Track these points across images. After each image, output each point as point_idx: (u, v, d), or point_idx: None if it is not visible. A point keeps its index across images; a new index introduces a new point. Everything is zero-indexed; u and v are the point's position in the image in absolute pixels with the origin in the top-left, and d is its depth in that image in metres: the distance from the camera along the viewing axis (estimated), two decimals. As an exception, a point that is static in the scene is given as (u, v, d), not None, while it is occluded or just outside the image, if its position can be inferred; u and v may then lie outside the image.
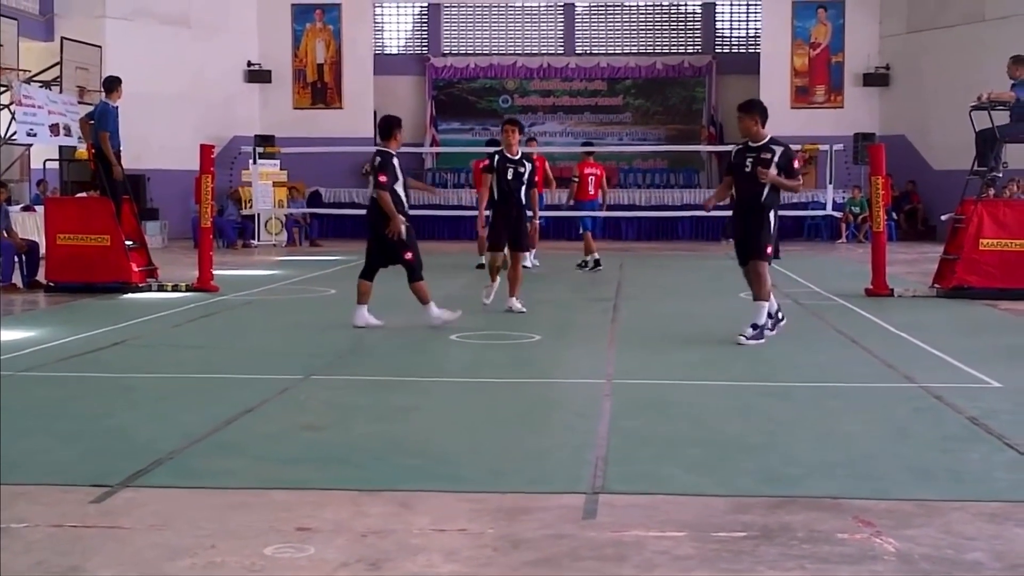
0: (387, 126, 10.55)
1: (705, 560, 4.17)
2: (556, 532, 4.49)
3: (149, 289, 14.11)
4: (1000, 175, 14.19)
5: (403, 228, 10.19)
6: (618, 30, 30.97)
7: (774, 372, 8.44)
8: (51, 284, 14.21)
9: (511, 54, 30.74)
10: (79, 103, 19.56)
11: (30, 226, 18.72)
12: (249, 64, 28.57)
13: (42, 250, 15.07)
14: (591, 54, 30.75)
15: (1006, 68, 13.68)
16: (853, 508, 4.81)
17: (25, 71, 20.62)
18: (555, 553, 4.24)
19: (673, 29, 30.87)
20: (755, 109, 9.84)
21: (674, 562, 4.15)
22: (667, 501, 4.94)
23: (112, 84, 14.46)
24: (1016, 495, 5.08)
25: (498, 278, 11.87)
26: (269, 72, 28.56)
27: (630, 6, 30.79)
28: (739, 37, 30.73)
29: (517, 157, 11.71)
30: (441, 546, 4.32)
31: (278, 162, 24.98)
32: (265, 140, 24.96)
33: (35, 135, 17.78)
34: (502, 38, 31.07)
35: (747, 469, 5.51)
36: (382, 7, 30.56)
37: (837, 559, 4.18)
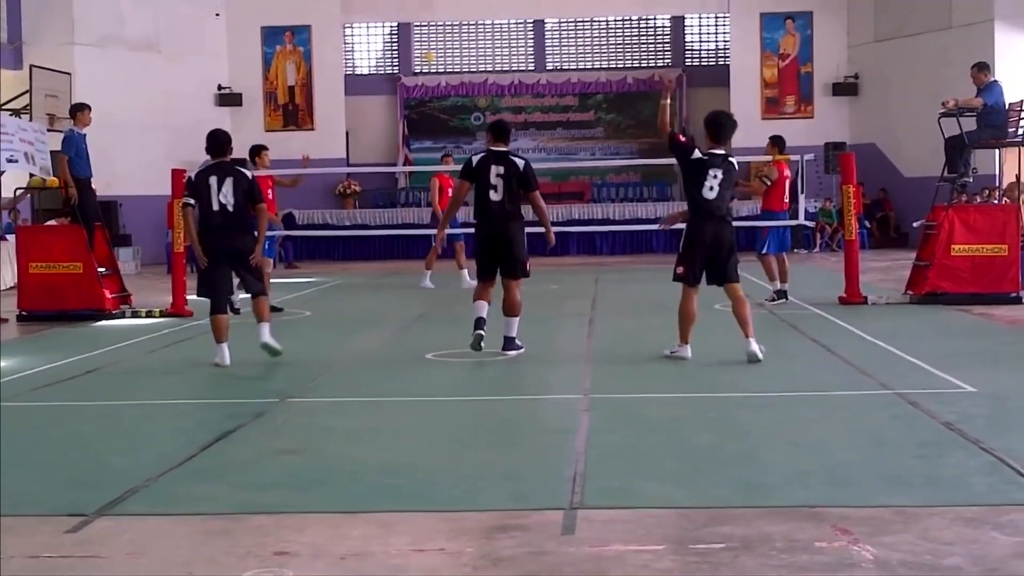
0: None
1: (685, 573, 4.17)
2: (536, 549, 4.49)
3: (123, 316, 14.04)
4: (970, 180, 14.29)
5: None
6: (588, 45, 31.01)
7: (749, 382, 8.45)
8: (23, 313, 14.10)
9: (482, 72, 30.74)
10: (49, 131, 19.43)
11: (2, 257, 18.58)
12: (220, 88, 28.50)
13: (14, 280, 14.90)
14: (562, 70, 30.79)
15: (970, 75, 13.82)
16: (831, 516, 4.83)
17: (-6, 100, 20.50)
18: (535, 570, 4.24)
19: (643, 43, 30.95)
20: None
21: (654, 576, 4.15)
22: (646, 515, 4.94)
23: (76, 110, 14.41)
24: (993, 499, 5.10)
25: None
26: (240, 95, 28.50)
27: (599, 21, 30.81)
28: (708, 50, 30.79)
29: None
30: (421, 566, 4.31)
31: (251, 185, 24.87)
32: (237, 163, 24.83)
33: (16, 161, 17.40)
34: (473, 56, 31.11)
35: (725, 480, 5.52)
36: (352, 27, 30.51)
37: (816, 568, 4.19)
